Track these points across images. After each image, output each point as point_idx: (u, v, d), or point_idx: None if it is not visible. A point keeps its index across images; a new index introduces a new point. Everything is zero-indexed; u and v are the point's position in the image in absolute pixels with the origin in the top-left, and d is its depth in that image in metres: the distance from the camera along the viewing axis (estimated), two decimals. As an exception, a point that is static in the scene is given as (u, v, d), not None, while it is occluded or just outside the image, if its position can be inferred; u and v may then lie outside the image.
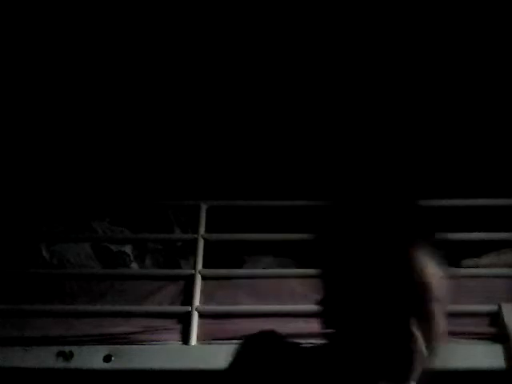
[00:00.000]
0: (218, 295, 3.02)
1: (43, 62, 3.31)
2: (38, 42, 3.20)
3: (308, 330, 2.80)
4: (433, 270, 0.97)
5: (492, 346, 2.70)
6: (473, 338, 2.75)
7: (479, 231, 3.16)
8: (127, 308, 2.98)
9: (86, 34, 3.18)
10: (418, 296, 0.94)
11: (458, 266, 3.13)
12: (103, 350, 2.79)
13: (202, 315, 2.91)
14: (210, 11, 3.09)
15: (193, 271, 3.09)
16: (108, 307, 2.98)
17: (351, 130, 3.64)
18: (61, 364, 2.76)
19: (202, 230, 3.23)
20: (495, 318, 2.80)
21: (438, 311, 0.95)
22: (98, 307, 2.99)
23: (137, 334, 2.85)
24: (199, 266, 3.10)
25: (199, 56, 3.30)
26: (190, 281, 3.05)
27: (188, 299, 2.97)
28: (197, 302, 2.95)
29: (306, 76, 3.39)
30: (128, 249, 3.41)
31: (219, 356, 2.78)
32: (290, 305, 2.94)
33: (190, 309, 2.92)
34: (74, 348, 2.79)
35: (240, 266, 3.42)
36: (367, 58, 3.29)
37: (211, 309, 2.96)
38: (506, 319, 2.75)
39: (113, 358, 2.76)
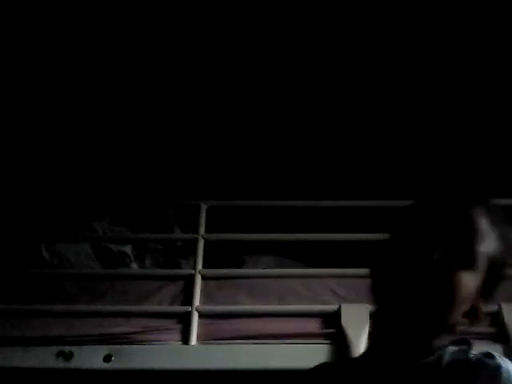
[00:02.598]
0: (218, 295, 3.01)
1: (43, 62, 3.30)
2: (38, 42, 3.20)
3: (308, 330, 2.81)
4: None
5: (492, 346, 2.70)
6: (473, 338, 2.74)
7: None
8: (127, 308, 2.98)
9: (86, 34, 3.18)
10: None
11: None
12: (103, 349, 2.79)
13: (201, 315, 2.91)
14: (210, 11, 3.09)
15: (193, 271, 3.08)
16: (108, 307, 2.98)
17: (347, 130, 3.64)
18: (61, 364, 2.76)
19: (202, 229, 3.23)
20: (495, 317, 2.79)
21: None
22: (98, 307, 2.99)
23: (137, 334, 2.85)
24: (199, 266, 3.09)
25: (199, 56, 3.30)
26: (189, 281, 3.05)
27: (188, 299, 2.97)
28: (197, 301, 2.95)
29: (306, 76, 3.39)
30: (128, 249, 3.41)
31: (219, 356, 2.78)
32: (290, 305, 2.94)
33: (190, 309, 2.91)
34: (73, 348, 2.79)
35: (240, 266, 3.42)
36: (370, 58, 3.29)
37: (211, 309, 2.96)
38: (506, 319, 2.75)
39: (113, 358, 2.76)
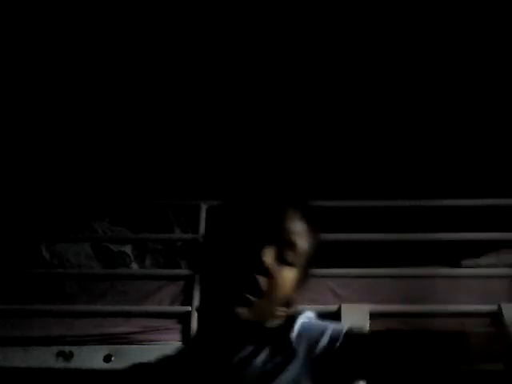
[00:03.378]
0: (218, 295, 3.01)
1: (43, 62, 3.31)
2: (38, 42, 3.20)
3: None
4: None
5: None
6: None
7: (479, 231, 3.15)
8: (127, 308, 2.98)
9: (86, 34, 3.18)
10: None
11: (458, 266, 3.13)
12: (103, 349, 2.79)
13: (202, 315, 2.91)
14: (210, 11, 3.09)
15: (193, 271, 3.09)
16: (108, 307, 2.98)
17: (348, 130, 3.64)
18: (61, 364, 2.76)
19: (202, 229, 3.23)
20: (495, 318, 2.79)
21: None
22: (98, 307, 2.99)
23: (137, 333, 2.85)
24: (199, 266, 3.09)
25: (199, 56, 3.30)
26: (190, 281, 3.05)
27: (188, 299, 2.97)
28: (197, 301, 2.95)
29: (305, 77, 3.40)
30: (128, 249, 3.41)
31: (219, 356, 2.78)
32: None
33: (190, 309, 2.91)
34: (74, 348, 2.80)
35: (240, 266, 3.41)
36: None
37: (211, 309, 2.95)
38: (506, 319, 2.75)
39: (113, 358, 2.76)
